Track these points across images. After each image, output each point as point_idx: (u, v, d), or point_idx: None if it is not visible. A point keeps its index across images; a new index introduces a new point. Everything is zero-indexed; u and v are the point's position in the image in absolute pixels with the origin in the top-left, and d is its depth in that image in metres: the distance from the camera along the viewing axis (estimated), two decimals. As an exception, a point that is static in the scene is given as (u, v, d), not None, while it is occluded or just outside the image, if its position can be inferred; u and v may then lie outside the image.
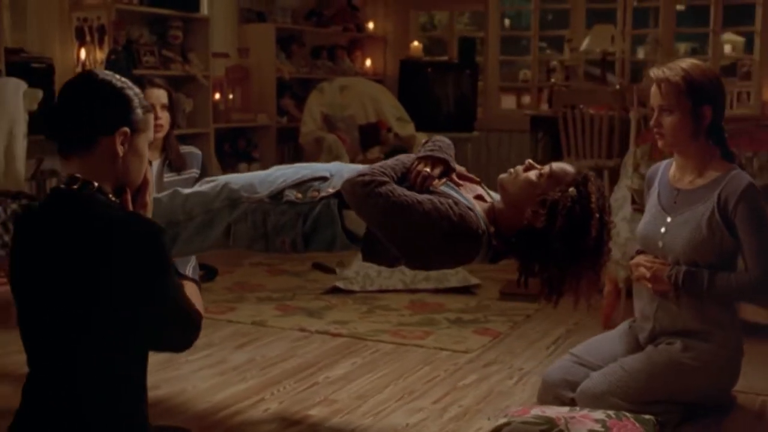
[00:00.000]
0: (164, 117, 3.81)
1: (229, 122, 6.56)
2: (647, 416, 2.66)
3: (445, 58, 8.19)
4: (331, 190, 2.64)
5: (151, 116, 2.08)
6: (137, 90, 2.05)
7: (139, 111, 2.03)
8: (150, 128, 2.08)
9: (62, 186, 1.97)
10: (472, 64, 7.64)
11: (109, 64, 5.21)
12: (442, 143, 2.66)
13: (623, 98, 6.67)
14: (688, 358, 2.83)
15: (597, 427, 2.54)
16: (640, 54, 8.73)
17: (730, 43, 12.17)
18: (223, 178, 2.86)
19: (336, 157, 6.27)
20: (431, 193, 2.51)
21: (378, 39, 8.24)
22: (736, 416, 2.96)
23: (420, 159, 2.61)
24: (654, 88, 2.86)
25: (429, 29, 8.88)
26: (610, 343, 3.05)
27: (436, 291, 4.67)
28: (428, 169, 2.57)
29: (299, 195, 2.68)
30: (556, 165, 2.58)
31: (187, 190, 2.86)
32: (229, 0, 6.78)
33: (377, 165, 2.56)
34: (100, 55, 5.34)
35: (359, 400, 3.10)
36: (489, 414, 2.95)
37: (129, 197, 2.08)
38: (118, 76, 2.04)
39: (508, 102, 8.02)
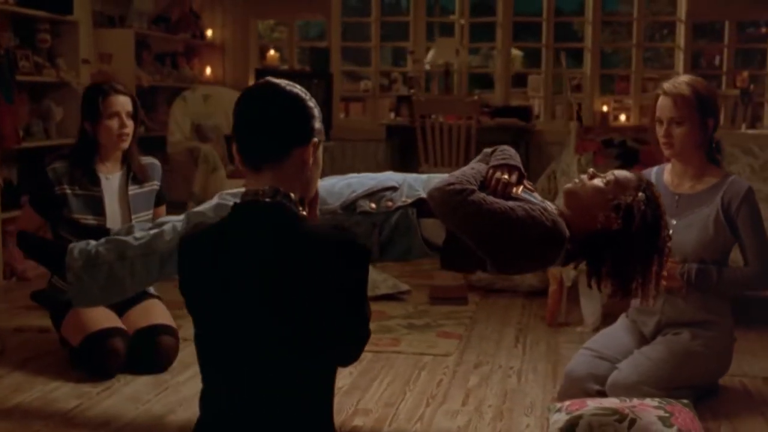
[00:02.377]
0: (130, 126, 3.61)
1: (95, 132, 6.19)
2: (684, 400, 2.91)
3: (285, 67, 8.20)
4: (406, 200, 2.67)
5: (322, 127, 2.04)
6: (314, 100, 2.00)
7: (318, 122, 1.99)
8: (323, 139, 2.04)
9: (260, 198, 1.89)
10: (323, 74, 7.72)
11: (-8, 70, 4.81)
12: (510, 152, 2.77)
13: (478, 108, 7.04)
14: (697, 345, 3.12)
15: (661, 413, 2.74)
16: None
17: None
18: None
19: (214, 168, 6.14)
20: (515, 199, 2.61)
21: (216, 47, 8.09)
22: (730, 396, 3.26)
23: (495, 167, 2.69)
24: (665, 102, 3.12)
25: (260, 38, 8.85)
26: (620, 337, 3.26)
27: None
28: (506, 176, 2.66)
29: (373, 205, 2.68)
30: (619, 172, 2.77)
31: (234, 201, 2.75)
32: (83, 3, 6.40)
33: (458, 173, 2.62)
34: (-22, 60, 4.91)
35: (389, 408, 3.12)
36: (524, 411, 3.09)
37: (308, 209, 2.03)
38: (299, 86, 1.99)
39: (356, 112, 8.17)
